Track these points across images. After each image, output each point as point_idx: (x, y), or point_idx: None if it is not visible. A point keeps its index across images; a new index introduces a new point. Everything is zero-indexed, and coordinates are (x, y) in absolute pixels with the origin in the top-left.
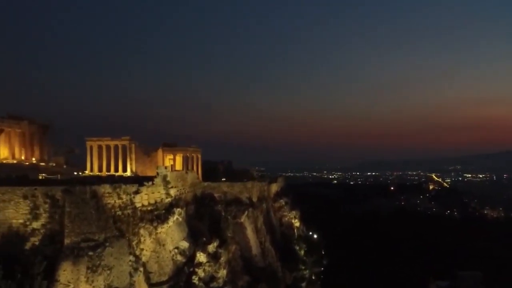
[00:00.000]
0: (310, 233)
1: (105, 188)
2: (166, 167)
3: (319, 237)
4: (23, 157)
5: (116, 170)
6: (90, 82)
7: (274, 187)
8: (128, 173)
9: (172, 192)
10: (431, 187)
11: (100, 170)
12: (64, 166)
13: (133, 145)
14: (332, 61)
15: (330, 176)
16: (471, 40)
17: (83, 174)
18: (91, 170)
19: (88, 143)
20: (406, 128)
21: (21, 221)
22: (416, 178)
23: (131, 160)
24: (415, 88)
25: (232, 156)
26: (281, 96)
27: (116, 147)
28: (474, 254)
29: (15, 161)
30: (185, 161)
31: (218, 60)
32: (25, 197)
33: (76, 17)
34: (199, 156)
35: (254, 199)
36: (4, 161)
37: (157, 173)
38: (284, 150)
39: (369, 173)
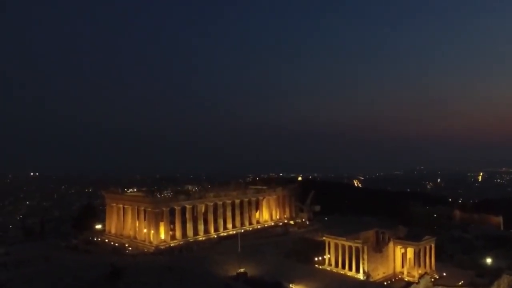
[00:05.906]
0: None
1: None
2: None
3: None
4: (278, 217)
5: (350, 268)
6: None
7: None
8: (361, 275)
9: None
10: None
11: (336, 265)
12: (307, 222)
13: (365, 247)
14: None
15: None
16: None
17: (323, 267)
18: (329, 264)
19: (326, 239)
20: None
21: None
22: None
23: (363, 260)
24: None
25: (465, 154)
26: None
27: (350, 247)
28: None
29: (272, 223)
30: (417, 253)
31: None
32: None
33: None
34: (432, 245)
35: None
36: (265, 224)
37: None
38: None
39: None
